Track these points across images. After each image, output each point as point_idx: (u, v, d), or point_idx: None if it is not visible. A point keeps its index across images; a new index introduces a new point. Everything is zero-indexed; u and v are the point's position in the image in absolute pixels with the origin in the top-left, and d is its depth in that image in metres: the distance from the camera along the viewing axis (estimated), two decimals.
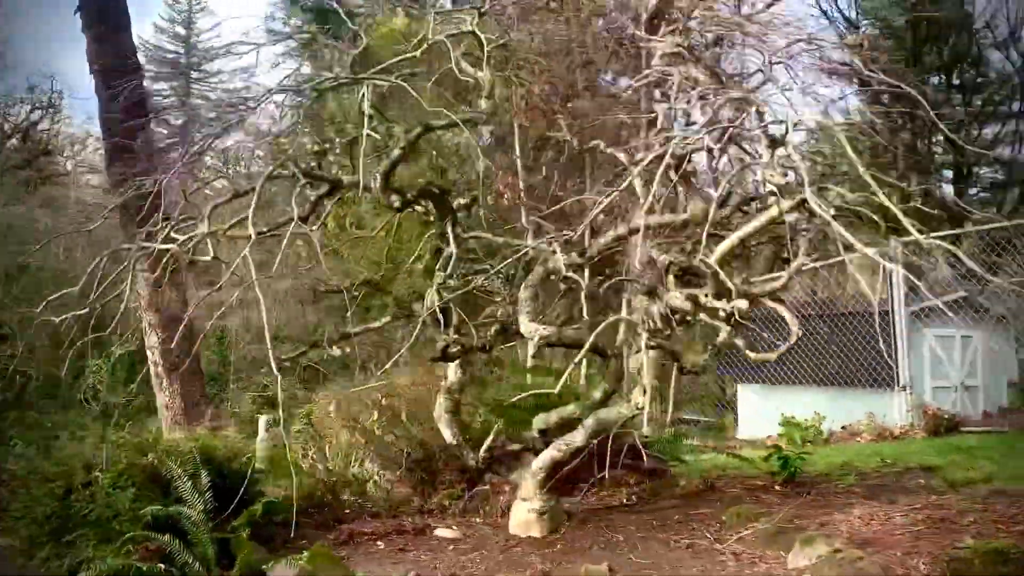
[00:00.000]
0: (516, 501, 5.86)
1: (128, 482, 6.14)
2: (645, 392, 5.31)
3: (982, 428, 9.37)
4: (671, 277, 5.41)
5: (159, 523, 5.97)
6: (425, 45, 5.27)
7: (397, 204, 4.94)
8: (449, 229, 5.30)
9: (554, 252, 5.46)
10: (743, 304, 3.82)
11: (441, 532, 6.61)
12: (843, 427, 10.80)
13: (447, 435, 5.76)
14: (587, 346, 4.63)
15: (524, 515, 5.70)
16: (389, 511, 7.49)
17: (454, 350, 5.47)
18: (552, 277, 5.55)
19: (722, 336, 4.03)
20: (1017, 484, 5.65)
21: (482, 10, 5.01)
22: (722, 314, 3.92)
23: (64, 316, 5.46)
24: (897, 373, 9.87)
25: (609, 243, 5.45)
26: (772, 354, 4.82)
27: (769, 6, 6.13)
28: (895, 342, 9.90)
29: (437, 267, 5.58)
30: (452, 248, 5.16)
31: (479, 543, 5.79)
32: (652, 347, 5.10)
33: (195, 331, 10.52)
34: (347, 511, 7.26)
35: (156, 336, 11.30)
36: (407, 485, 8.17)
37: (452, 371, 5.83)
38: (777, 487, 6.57)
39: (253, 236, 4.62)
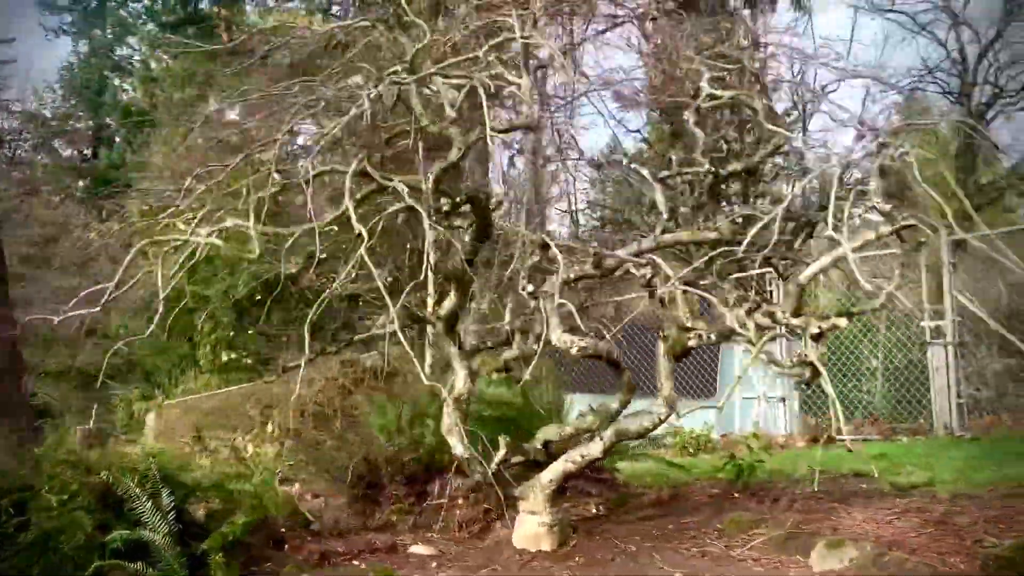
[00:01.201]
0: (521, 514, 5.75)
1: (82, 504, 5.46)
2: (667, 404, 5.43)
3: (855, 437, 10.32)
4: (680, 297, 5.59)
5: (118, 551, 5.38)
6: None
7: (446, 207, 4.73)
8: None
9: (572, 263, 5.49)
10: (843, 322, 4.03)
11: (416, 549, 6.37)
12: (723, 435, 11.53)
13: (458, 448, 5.54)
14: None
15: (534, 528, 5.61)
16: (331, 530, 7.13)
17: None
18: (569, 287, 5.54)
19: (813, 354, 4.18)
20: (961, 487, 6.27)
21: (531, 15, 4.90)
22: (815, 331, 4.10)
23: None
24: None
25: (628, 256, 5.51)
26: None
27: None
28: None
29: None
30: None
31: (485, 559, 5.64)
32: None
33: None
34: (283, 530, 6.81)
35: None
36: (342, 500, 7.82)
37: (461, 380, 5.64)
38: (736, 494, 6.90)
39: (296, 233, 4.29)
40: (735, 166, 5.11)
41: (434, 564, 5.93)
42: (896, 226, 3.88)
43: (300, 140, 9.33)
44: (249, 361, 16.12)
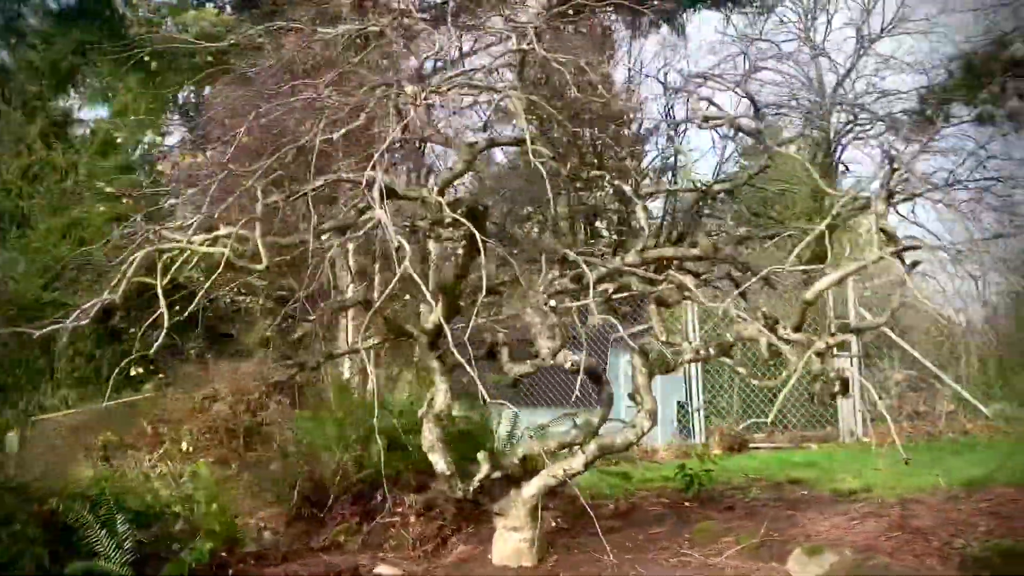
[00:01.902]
0: (499, 531, 5.68)
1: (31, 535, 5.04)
2: (650, 417, 5.51)
3: (766, 445, 10.81)
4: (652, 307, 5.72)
5: None
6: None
7: (448, 220, 4.64)
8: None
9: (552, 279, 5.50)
10: (851, 338, 4.21)
11: (382, 570, 6.20)
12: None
13: (440, 465, 5.41)
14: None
15: (515, 545, 5.56)
16: (277, 553, 6.84)
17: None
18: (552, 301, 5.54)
19: (820, 366, 4.34)
20: (899, 493, 6.66)
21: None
22: (822, 346, 4.26)
23: None
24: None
25: (605, 274, 5.57)
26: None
27: None
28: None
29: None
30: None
31: None
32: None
33: None
34: (223, 553, 6.48)
35: None
36: (282, 521, 7.52)
37: (441, 396, 5.51)
38: (687, 503, 7.08)
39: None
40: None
41: None
42: (898, 248, 4.12)
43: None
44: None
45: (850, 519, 5.96)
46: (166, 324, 4.12)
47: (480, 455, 5.62)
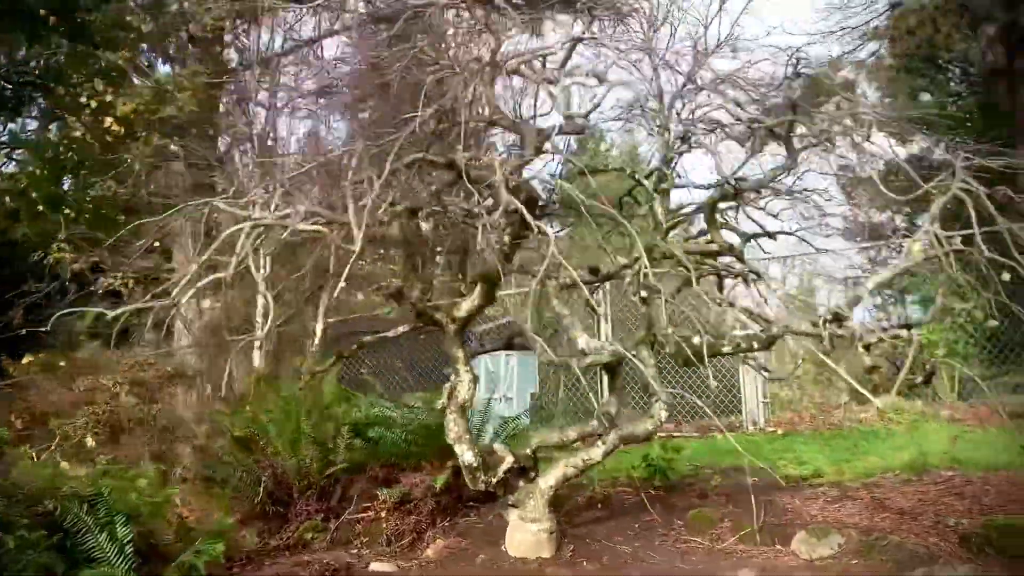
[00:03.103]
0: (515, 522, 5.62)
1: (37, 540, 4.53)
2: (665, 408, 5.64)
3: (678, 434, 11.24)
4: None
5: None
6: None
7: (512, 207, 4.54)
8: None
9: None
10: (904, 333, 4.50)
11: (377, 567, 5.99)
12: None
13: (468, 456, 5.28)
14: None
15: (532, 536, 5.53)
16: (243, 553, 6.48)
17: None
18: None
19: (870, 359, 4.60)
20: (850, 477, 7.14)
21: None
22: (873, 340, 4.52)
23: None
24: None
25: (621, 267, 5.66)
26: None
27: None
28: None
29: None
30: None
31: (485, 573, 5.43)
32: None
33: None
34: None
35: None
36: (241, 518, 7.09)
37: (465, 386, 5.38)
38: (652, 491, 7.27)
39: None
40: None
41: None
42: (949, 248, 4.46)
43: None
44: None
45: (829, 503, 6.33)
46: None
47: (498, 447, 5.55)
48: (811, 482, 7.19)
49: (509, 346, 6.14)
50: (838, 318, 4.54)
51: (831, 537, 5.48)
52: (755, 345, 5.05)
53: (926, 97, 19.44)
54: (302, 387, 7.51)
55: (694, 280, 5.47)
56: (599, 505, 6.85)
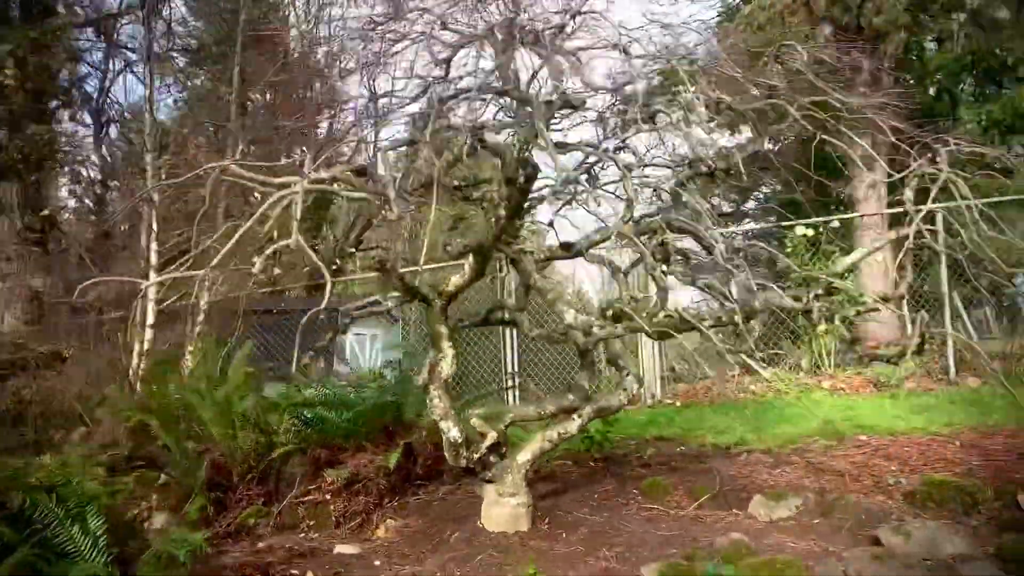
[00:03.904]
0: (492, 497, 5.59)
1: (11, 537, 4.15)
2: (639, 381, 5.78)
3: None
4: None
5: None
6: None
7: (522, 179, 4.51)
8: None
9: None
10: (881, 307, 4.82)
11: (342, 549, 5.82)
12: None
13: (453, 433, 5.19)
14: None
15: (511, 510, 5.52)
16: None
17: None
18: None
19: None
20: (773, 445, 7.57)
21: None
22: (858, 309, 4.81)
23: None
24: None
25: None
26: None
27: None
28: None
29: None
30: None
31: (468, 548, 5.36)
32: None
33: None
34: None
35: None
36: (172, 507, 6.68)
37: (448, 362, 5.28)
38: (592, 463, 7.44)
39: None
40: None
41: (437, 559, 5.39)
42: (911, 230, 4.81)
43: None
44: None
45: (768, 468, 6.71)
46: None
47: (476, 422, 5.50)
48: (737, 449, 7.58)
49: (487, 322, 6.01)
50: (829, 292, 4.82)
51: (789, 499, 5.81)
52: (737, 320, 5.27)
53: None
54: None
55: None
56: (547, 478, 6.94)
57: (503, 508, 5.52)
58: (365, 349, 13.19)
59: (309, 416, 6.90)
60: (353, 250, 4.81)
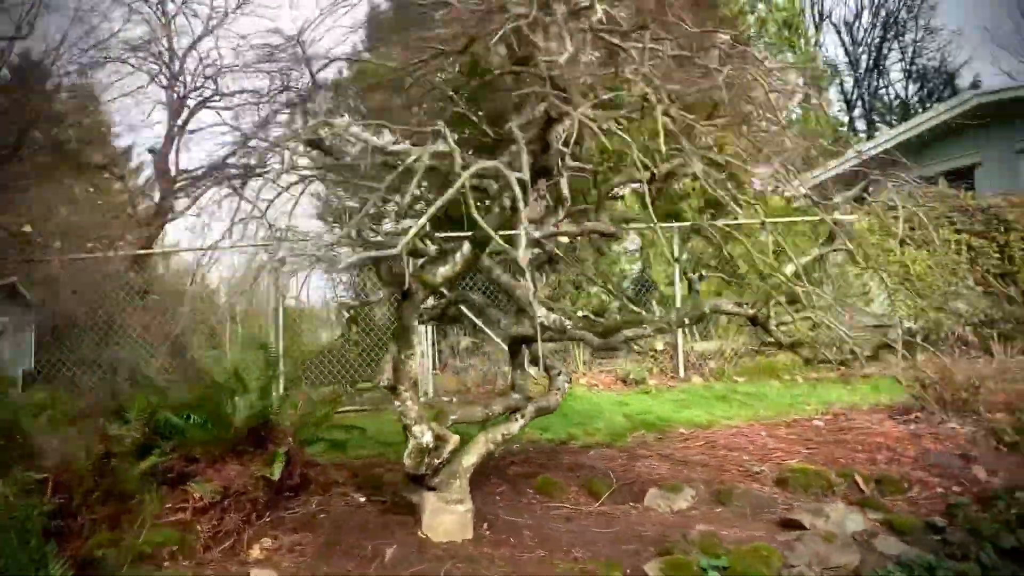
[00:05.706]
0: (437, 505, 5.19)
1: None
2: (570, 380, 5.80)
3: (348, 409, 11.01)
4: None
5: None
6: None
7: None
8: None
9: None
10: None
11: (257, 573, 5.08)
12: None
13: (427, 439, 4.72)
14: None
15: (458, 517, 5.21)
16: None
17: None
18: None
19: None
20: (629, 441, 7.87)
21: None
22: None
23: None
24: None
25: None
26: None
27: None
28: None
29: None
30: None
31: (424, 565, 4.88)
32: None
33: None
34: None
35: None
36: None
37: (416, 361, 4.80)
38: None
39: None
40: None
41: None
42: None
43: None
44: None
45: (629, 461, 7.06)
46: None
47: (436, 426, 5.11)
48: (574, 445, 7.82)
49: (446, 317, 5.55)
50: (767, 301, 5.28)
51: (684, 491, 6.22)
52: (687, 322, 5.51)
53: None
54: None
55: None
56: None
57: (450, 516, 5.19)
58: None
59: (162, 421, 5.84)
60: None
